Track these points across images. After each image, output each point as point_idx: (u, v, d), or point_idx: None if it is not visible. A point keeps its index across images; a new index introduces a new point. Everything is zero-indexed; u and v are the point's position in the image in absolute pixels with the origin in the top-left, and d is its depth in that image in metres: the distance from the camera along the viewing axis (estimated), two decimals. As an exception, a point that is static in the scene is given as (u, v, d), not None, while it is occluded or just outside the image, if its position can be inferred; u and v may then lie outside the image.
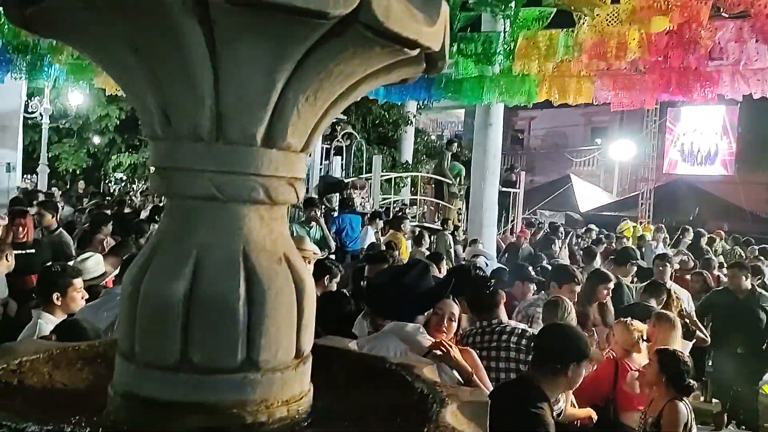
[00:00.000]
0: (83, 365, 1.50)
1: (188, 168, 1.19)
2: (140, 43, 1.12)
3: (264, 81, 1.15)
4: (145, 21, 1.08)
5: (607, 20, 6.13)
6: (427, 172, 16.89)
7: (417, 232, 9.66)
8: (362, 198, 13.69)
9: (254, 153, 1.20)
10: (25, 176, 15.22)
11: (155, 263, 1.21)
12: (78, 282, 3.98)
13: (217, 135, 1.18)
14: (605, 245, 11.78)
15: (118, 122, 18.00)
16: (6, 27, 8.45)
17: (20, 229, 6.92)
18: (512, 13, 6.82)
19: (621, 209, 20.05)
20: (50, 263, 4.60)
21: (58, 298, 3.82)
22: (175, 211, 1.25)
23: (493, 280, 4.24)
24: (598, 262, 8.01)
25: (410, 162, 18.83)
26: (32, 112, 14.50)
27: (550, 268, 6.20)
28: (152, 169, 1.29)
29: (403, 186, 18.29)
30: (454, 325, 3.26)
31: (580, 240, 13.43)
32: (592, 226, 14.63)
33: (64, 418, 1.23)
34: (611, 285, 5.31)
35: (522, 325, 3.89)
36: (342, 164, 14.00)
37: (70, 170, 18.78)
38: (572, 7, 6.29)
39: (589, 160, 26.53)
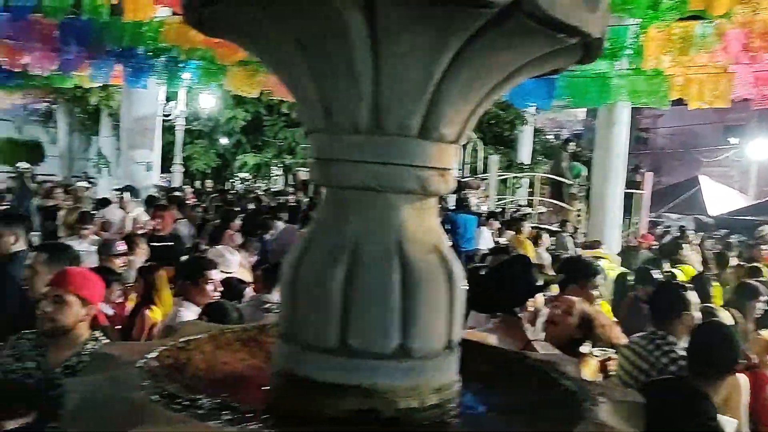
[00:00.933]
0: (240, 346, 1.59)
1: (347, 159, 1.24)
2: (306, 39, 1.18)
3: (422, 73, 1.18)
4: (313, 16, 1.13)
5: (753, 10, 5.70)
6: (545, 173, 16.50)
7: (536, 233, 9.47)
8: (478, 198, 13.59)
9: (410, 144, 1.23)
10: (161, 175, 16.35)
11: (314, 250, 1.27)
12: (214, 274, 4.25)
13: (374, 127, 1.22)
14: (743, 250, 11.00)
15: (244, 124, 18.96)
16: (147, 34, 9.14)
17: (159, 222, 7.49)
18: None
19: (759, 213, 18.60)
20: (191, 255, 4.90)
21: (196, 288, 4.10)
22: (333, 201, 1.30)
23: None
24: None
25: (527, 162, 18.48)
26: (168, 116, 15.56)
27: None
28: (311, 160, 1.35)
29: (519, 187, 17.99)
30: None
31: (715, 244, 12.62)
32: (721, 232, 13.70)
33: (230, 393, 1.32)
34: (764, 299, 4.96)
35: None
36: (457, 164, 13.97)
37: (201, 170, 19.99)
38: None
39: (722, 160, 24.82)
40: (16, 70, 11.36)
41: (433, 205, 1.33)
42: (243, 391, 1.38)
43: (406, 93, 1.19)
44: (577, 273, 4.00)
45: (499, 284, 3.02)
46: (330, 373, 1.21)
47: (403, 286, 1.21)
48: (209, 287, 4.07)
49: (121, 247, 5.54)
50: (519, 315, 3.02)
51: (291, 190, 18.26)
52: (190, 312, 3.86)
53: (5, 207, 11.10)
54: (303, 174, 18.96)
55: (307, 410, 1.21)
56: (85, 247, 6.75)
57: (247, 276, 5.60)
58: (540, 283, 3.15)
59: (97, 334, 3.05)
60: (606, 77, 7.92)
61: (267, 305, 4.15)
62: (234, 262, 5.38)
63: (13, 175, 16.47)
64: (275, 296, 4.08)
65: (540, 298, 3.29)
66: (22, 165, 16.96)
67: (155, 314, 4.30)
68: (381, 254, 1.22)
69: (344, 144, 1.24)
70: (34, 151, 23.36)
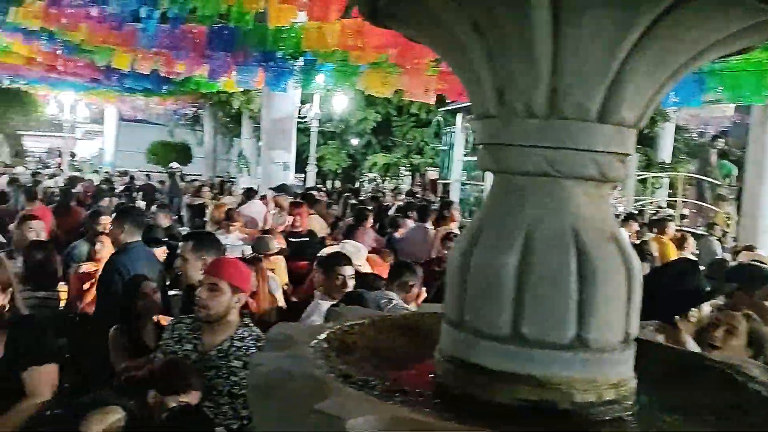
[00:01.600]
0: (399, 332, 1.61)
1: (520, 144, 1.21)
2: (483, 22, 1.17)
3: (604, 53, 1.13)
4: (494, -1, 1.12)
5: None
6: (688, 172, 15.45)
7: (680, 236, 8.88)
8: (614, 198, 12.97)
9: (588, 128, 1.18)
10: (295, 175, 17.08)
11: (485, 237, 1.26)
12: (349, 269, 4.34)
13: (551, 111, 1.18)
14: None
15: (375, 125, 19.39)
16: (288, 39, 9.56)
17: (297, 218, 7.79)
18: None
19: None
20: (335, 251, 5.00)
21: (332, 282, 4.23)
22: (504, 187, 1.28)
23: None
24: None
25: (668, 161, 17.40)
26: (303, 117, 16.22)
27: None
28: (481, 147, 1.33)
29: (659, 187, 16.99)
30: None
31: None
32: None
33: (396, 376, 1.34)
34: None
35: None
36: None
37: (333, 169, 20.69)
38: None
39: None
40: (172, 77, 12.34)
41: (609, 193, 1.27)
42: (408, 375, 1.39)
43: (586, 75, 1.15)
44: (748, 280, 3.69)
45: (661, 288, 2.82)
46: (502, 362, 1.19)
47: (579, 275, 1.17)
48: (345, 281, 4.17)
49: (278, 243, 5.76)
50: (678, 325, 2.82)
51: (418, 189, 18.42)
52: (328, 304, 3.98)
53: (159, 203, 12.04)
54: (431, 173, 19.07)
55: (478, 397, 1.20)
56: (231, 240, 7.20)
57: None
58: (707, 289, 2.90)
59: (247, 320, 3.22)
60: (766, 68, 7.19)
61: (385, 300, 4.17)
62: (363, 258, 5.50)
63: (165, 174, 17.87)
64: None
65: (706, 307, 2.99)
66: (173, 165, 18.40)
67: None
68: (556, 241, 1.19)
69: (518, 128, 1.21)
70: (183, 153, 25.23)
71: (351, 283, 4.20)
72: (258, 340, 3.07)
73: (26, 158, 25.06)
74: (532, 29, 1.11)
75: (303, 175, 18.23)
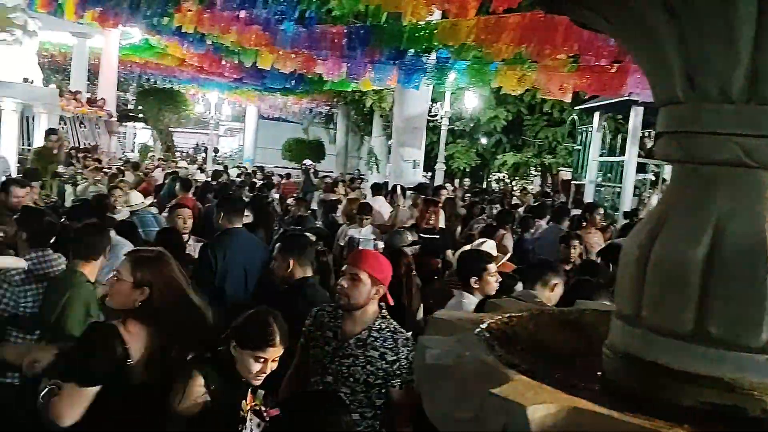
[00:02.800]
0: (559, 327, 1.57)
1: (713, 132, 1.14)
2: (677, 3, 1.11)
3: (817, 32, 1.03)
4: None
5: None
6: None
7: None
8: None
9: (793, 115, 1.09)
10: (423, 173, 17.21)
11: (668, 229, 1.19)
12: (492, 267, 4.29)
13: (749, 95, 1.10)
14: None
15: (505, 123, 19.09)
16: (422, 36, 9.64)
17: (430, 216, 7.83)
18: None
19: None
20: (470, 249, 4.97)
21: (475, 282, 4.18)
22: (690, 178, 1.21)
23: None
24: None
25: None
26: (434, 116, 16.29)
27: None
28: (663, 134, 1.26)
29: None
30: None
31: None
32: None
33: (560, 369, 1.31)
34: None
35: None
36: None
37: (461, 168, 20.61)
38: None
39: None
40: (310, 76, 12.85)
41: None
42: (573, 369, 1.35)
43: (793, 56, 1.06)
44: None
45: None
46: (685, 361, 1.12)
47: (777, 274, 1.07)
48: (489, 279, 4.13)
49: (412, 237, 5.80)
50: None
51: (548, 190, 17.91)
52: (471, 304, 3.96)
53: (296, 196, 12.56)
54: (564, 174, 18.48)
55: (655, 396, 1.15)
56: (364, 234, 7.37)
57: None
58: None
59: (384, 312, 3.26)
60: None
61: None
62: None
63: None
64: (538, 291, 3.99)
65: None
66: (307, 162, 19.14)
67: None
68: (749, 237, 1.10)
69: (711, 115, 1.14)
70: (316, 150, 26.20)
71: (495, 282, 4.16)
72: (395, 332, 3.11)
73: (175, 153, 27.07)
74: (735, 6, 1.04)
75: (430, 174, 18.32)
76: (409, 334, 3.31)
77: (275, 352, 2.66)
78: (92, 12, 11.53)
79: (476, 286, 4.13)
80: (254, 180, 15.89)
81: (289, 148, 26.80)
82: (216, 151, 33.02)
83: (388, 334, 3.09)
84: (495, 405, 0.97)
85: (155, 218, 7.14)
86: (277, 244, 4.39)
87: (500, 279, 4.23)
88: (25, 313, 3.70)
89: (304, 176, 18.19)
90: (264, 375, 2.66)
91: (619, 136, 14.49)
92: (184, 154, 30.08)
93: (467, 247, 5.40)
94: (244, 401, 2.56)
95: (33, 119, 11.29)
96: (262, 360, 2.63)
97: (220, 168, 18.95)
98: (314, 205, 12.85)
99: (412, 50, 10.42)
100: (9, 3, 9.95)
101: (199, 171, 16.81)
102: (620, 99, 11.02)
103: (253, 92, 23.02)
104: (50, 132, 9.01)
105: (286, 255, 4.07)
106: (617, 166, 13.66)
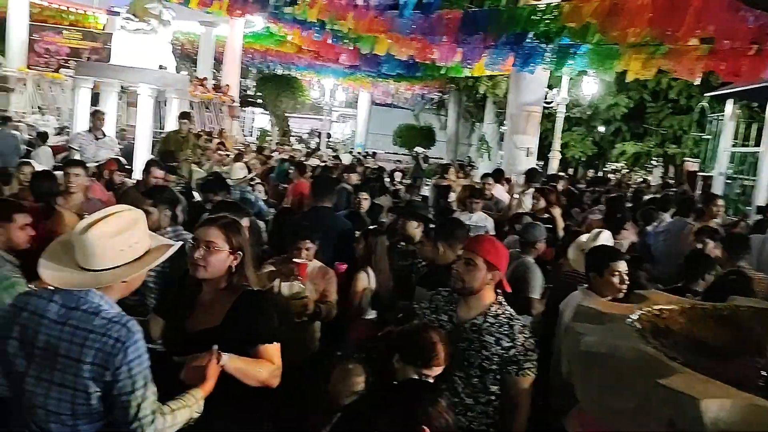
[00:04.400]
0: (712, 322, 1.48)
1: None
2: None
3: None
4: None
5: None
6: None
7: None
8: None
9: None
10: (537, 162, 16.78)
11: None
12: (619, 265, 4.00)
13: None
14: None
15: (626, 110, 18.21)
16: (542, 19, 9.35)
17: (543, 204, 7.62)
18: None
19: None
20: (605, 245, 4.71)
21: (595, 278, 3.99)
22: None
23: None
24: None
25: None
26: (549, 102, 15.81)
27: None
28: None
29: None
30: None
31: None
32: None
33: (718, 365, 1.24)
34: None
35: None
36: None
37: (576, 157, 19.92)
38: None
39: None
40: (424, 62, 12.85)
41: None
42: (732, 365, 1.28)
43: None
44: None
45: None
46: None
47: None
48: (612, 280, 3.90)
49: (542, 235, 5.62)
50: None
51: (671, 181, 16.95)
52: (593, 303, 3.80)
53: (407, 184, 12.64)
54: (690, 165, 17.41)
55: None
56: (475, 221, 7.29)
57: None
58: None
59: (501, 298, 3.21)
60: None
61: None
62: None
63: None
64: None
65: None
66: (418, 149, 19.21)
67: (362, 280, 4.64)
68: None
69: None
70: (427, 136, 26.22)
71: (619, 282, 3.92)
72: (511, 319, 3.07)
73: (291, 138, 28.01)
74: None
75: (543, 162, 17.84)
76: (527, 320, 3.26)
77: (439, 371, 2.70)
78: (219, 2, 12.13)
79: (599, 283, 3.94)
80: (366, 165, 16.16)
81: (400, 134, 26.97)
82: (329, 136, 33.87)
83: (504, 320, 3.06)
84: (661, 396, 0.93)
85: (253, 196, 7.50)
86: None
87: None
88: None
89: (414, 162, 18.26)
90: None
91: (754, 126, 13.44)
92: (298, 138, 31.07)
93: (583, 238, 5.20)
94: None
95: (165, 104, 12.02)
96: (425, 375, 2.67)
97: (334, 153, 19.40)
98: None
99: (531, 34, 10.13)
100: (147, -6, 10.66)
101: (313, 157, 17.29)
102: (758, 85, 10.22)
103: (367, 78, 23.35)
104: (184, 116, 9.58)
105: (438, 240, 4.24)
106: (751, 157, 12.69)
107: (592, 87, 16.49)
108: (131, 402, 2.09)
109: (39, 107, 16.37)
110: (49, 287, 2.22)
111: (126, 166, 7.37)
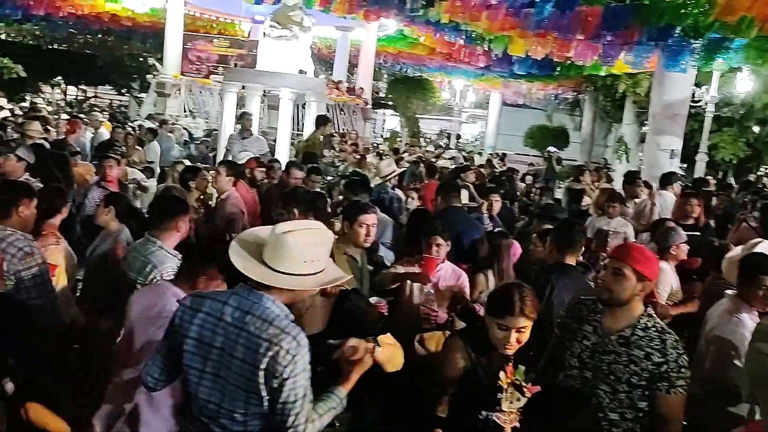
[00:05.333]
0: None
1: None
2: None
3: None
4: None
5: None
6: None
7: None
8: None
9: None
10: (680, 164, 15.71)
11: None
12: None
13: None
14: None
15: (784, 109, 16.62)
16: (690, 12, 8.73)
17: (693, 210, 7.13)
18: None
19: None
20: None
21: (744, 286, 3.71)
22: None
23: None
24: None
25: None
26: (697, 101, 14.77)
27: None
28: None
29: None
30: None
31: None
32: None
33: None
34: None
35: None
36: None
37: (726, 160, 18.46)
38: None
39: None
40: (558, 61, 12.46)
41: None
42: None
43: None
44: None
45: None
46: None
47: None
48: (760, 292, 3.59)
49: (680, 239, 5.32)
50: None
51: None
52: (749, 318, 3.52)
53: (540, 186, 12.31)
54: None
55: None
56: (614, 226, 6.96)
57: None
58: None
59: (650, 310, 3.04)
60: None
61: None
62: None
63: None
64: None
65: None
66: (551, 149, 18.66)
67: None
68: None
69: None
70: (560, 137, 25.42)
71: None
72: (662, 333, 2.89)
73: (420, 139, 28.21)
74: None
75: (686, 165, 16.69)
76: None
77: (516, 322, 2.78)
78: (342, 5, 12.44)
79: (745, 291, 3.67)
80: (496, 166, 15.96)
81: (531, 134, 26.33)
82: (458, 137, 33.77)
83: (655, 333, 2.89)
84: None
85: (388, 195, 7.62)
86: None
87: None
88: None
89: (546, 164, 17.76)
90: (510, 344, 2.79)
91: None
92: (428, 140, 31.26)
93: (737, 250, 4.81)
94: (502, 372, 2.65)
95: (303, 107, 12.55)
96: (505, 328, 2.78)
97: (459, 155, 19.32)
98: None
99: (678, 29, 9.51)
100: (289, 2, 11.19)
101: (445, 158, 17.33)
102: None
103: (499, 79, 23.03)
104: (324, 119, 9.96)
105: (555, 244, 4.19)
106: None
107: (746, 84, 15.21)
108: (291, 411, 2.21)
109: (190, 111, 17.68)
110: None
111: (271, 164, 7.76)
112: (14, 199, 3.67)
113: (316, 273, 2.35)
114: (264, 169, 7.77)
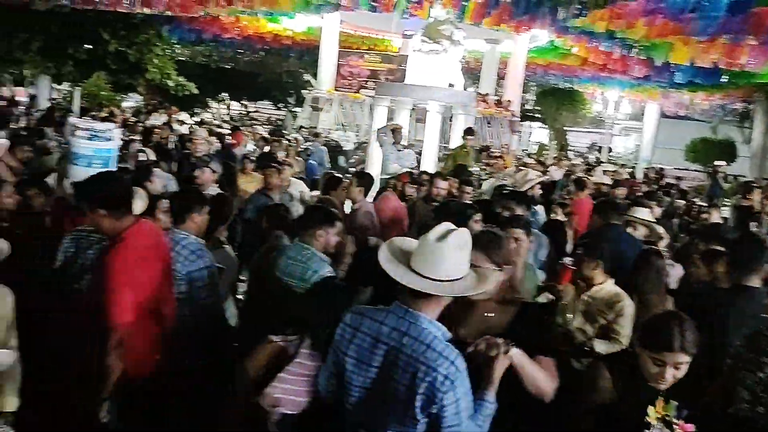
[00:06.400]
0: None
1: None
2: None
3: None
4: None
5: None
6: None
7: None
8: None
9: None
10: None
11: None
12: None
13: None
14: None
15: None
16: None
17: None
18: None
19: None
20: None
21: None
22: None
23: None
24: None
25: None
26: None
27: None
28: None
29: None
30: None
31: None
32: None
33: None
34: None
35: None
36: None
37: None
38: None
39: None
40: (727, 69, 11.51)
41: None
42: None
43: None
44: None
45: None
46: None
47: None
48: None
49: None
50: None
51: None
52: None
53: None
54: None
55: None
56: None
57: None
58: None
59: None
60: None
61: None
62: None
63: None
64: None
65: None
66: (717, 163, 17.29)
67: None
68: None
69: None
70: (726, 151, 23.45)
71: None
72: None
73: (568, 152, 27.26)
74: None
75: None
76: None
77: (674, 357, 2.50)
78: (494, 17, 12.31)
79: None
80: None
81: (693, 148, 24.48)
82: (610, 150, 32.26)
83: None
84: None
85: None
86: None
87: None
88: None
89: (710, 180, 16.46)
90: (665, 380, 2.52)
91: None
92: (577, 153, 30.17)
93: None
94: (651, 407, 2.46)
95: (450, 120, 12.60)
96: (660, 363, 2.51)
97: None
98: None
99: None
100: (440, 17, 11.30)
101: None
102: None
103: (657, 89, 21.66)
104: (469, 132, 9.95)
105: (735, 267, 3.93)
106: None
107: None
108: None
109: (342, 124, 18.40)
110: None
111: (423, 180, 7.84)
112: (189, 207, 4.02)
113: (462, 278, 2.35)
114: (416, 186, 7.77)
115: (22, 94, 18.37)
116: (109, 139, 5.18)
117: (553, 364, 2.64)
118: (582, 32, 12.20)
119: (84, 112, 17.21)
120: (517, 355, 2.46)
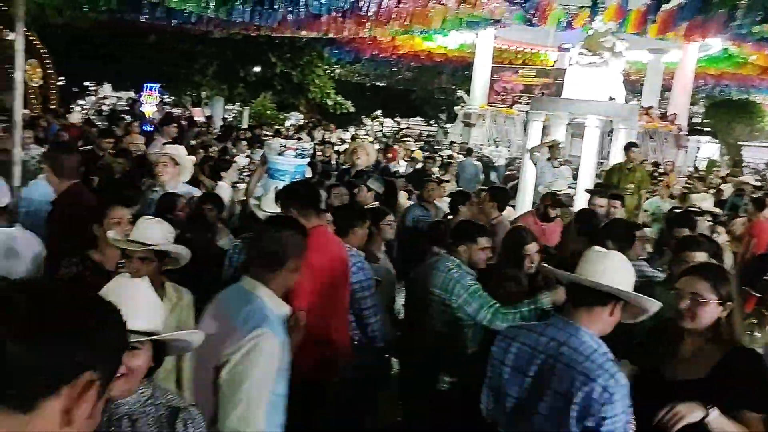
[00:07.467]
0: None
1: None
2: None
3: None
4: None
5: None
6: None
7: None
8: None
9: None
10: None
11: None
12: None
13: None
14: None
15: None
16: None
17: None
18: None
19: None
20: None
21: None
22: None
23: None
24: None
25: None
26: None
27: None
28: None
29: None
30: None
31: None
32: None
33: None
34: None
35: None
36: None
37: None
38: None
39: None
40: None
41: None
42: None
43: None
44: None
45: None
46: None
47: None
48: None
49: None
50: None
51: None
52: None
53: None
54: None
55: None
56: None
57: None
58: None
59: None
60: None
61: None
62: None
63: None
64: None
65: None
66: None
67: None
68: None
69: None
70: None
71: None
72: None
73: (743, 168, 24.95)
74: None
75: None
76: None
77: None
78: (676, 31, 11.59)
79: None
80: None
81: None
82: (792, 167, 29.04)
83: None
84: None
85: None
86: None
87: None
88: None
89: None
90: None
91: None
92: (752, 170, 27.55)
93: None
94: None
95: (609, 134, 12.03)
96: None
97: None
98: None
99: None
100: (601, 28, 10.84)
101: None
102: None
103: None
104: (631, 145, 9.43)
105: None
106: None
107: None
108: None
109: (494, 140, 18.25)
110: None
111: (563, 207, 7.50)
112: (351, 222, 4.20)
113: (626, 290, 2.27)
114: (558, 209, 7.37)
115: (199, 114, 20.20)
116: (306, 157, 5.70)
117: (761, 420, 2.38)
118: (762, 39, 11.15)
119: (251, 130, 18.56)
120: (715, 420, 2.27)
